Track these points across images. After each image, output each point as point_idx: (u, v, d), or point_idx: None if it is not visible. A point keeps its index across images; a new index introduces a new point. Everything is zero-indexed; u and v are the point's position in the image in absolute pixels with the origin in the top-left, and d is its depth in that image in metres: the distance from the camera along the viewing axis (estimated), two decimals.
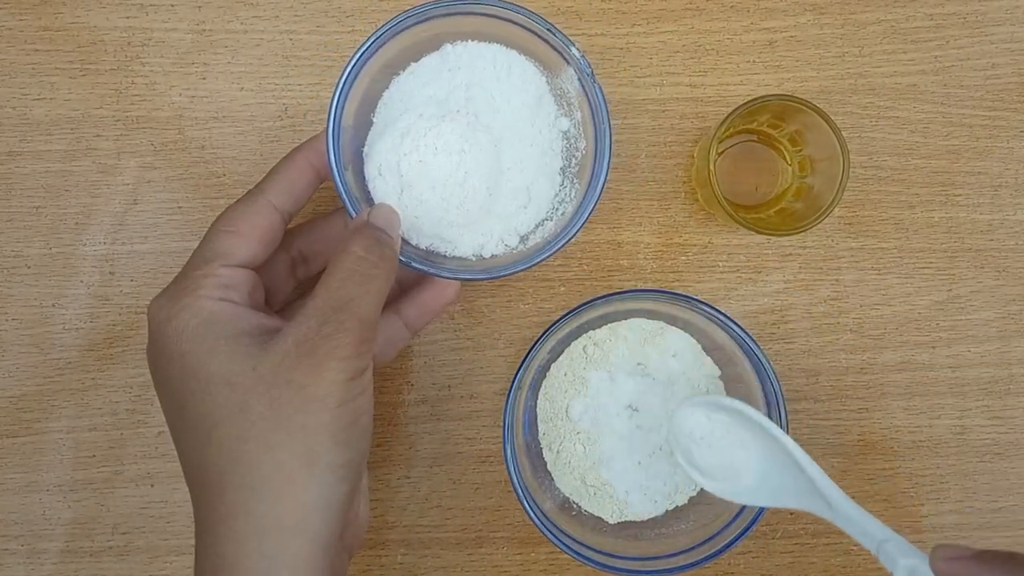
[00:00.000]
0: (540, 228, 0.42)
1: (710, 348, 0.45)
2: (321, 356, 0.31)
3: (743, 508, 0.41)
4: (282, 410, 0.31)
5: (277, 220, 0.37)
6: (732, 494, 0.39)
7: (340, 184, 0.38)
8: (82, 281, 0.46)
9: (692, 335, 0.45)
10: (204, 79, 0.46)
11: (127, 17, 0.46)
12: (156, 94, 0.46)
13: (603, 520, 0.44)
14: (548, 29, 0.39)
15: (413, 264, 0.38)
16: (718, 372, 0.45)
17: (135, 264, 0.46)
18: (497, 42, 0.42)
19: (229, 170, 0.46)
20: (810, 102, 0.41)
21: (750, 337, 0.40)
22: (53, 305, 0.46)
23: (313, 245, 0.41)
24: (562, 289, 0.46)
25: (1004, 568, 0.29)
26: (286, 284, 0.41)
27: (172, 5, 0.46)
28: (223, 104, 0.46)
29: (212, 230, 0.36)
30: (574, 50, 0.39)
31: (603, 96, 0.39)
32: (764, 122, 0.45)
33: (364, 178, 0.40)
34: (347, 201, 0.38)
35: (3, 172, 0.46)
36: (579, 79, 0.40)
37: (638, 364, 0.44)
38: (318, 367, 0.31)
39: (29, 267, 0.46)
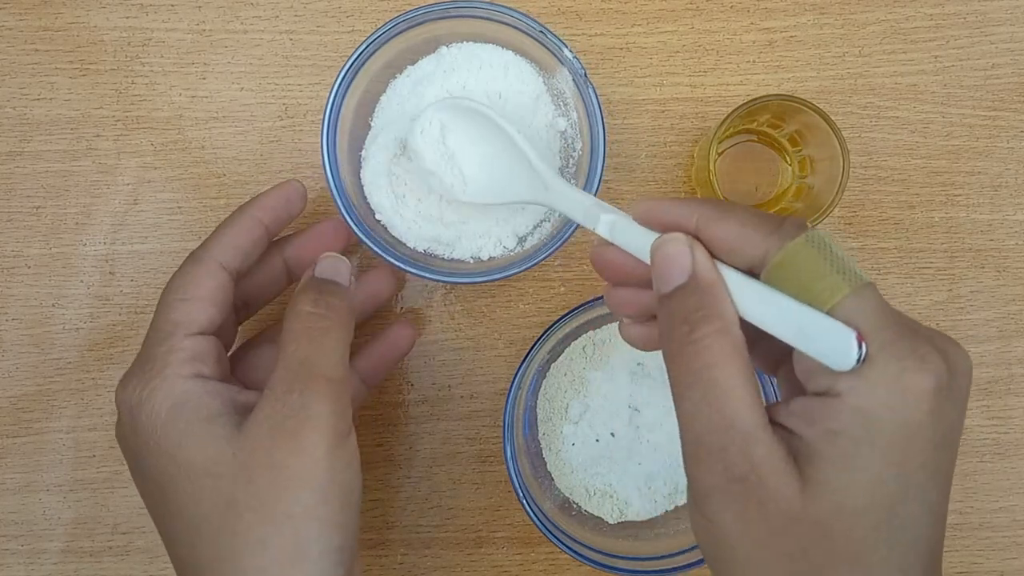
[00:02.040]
0: (538, 229, 0.42)
1: None
2: (294, 429, 0.30)
3: None
4: (266, 499, 0.30)
5: (227, 280, 0.36)
6: (465, 193, 0.38)
7: (335, 191, 0.38)
8: (82, 281, 0.46)
9: None
10: (204, 79, 0.46)
11: (127, 17, 0.46)
12: (156, 94, 0.46)
13: (603, 520, 0.44)
14: (541, 31, 0.39)
15: (410, 268, 0.38)
16: None
17: (135, 264, 0.46)
18: (493, 43, 0.42)
19: (229, 170, 0.46)
20: (810, 102, 0.41)
21: None
22: (53, 305, 0.46)
23: (250, 289, 0.40)
24: (562, 289, 0.46)
25: (701, 206, 0.28)
26: (229, 334, 0.39)
27: (172, 5, 0.46)
28: (223, 104, 0.46)
29: (164, 301, 0.35)
30: (566, 52, 0.39)
31: (596, 97, 0.39)
32: (764, 122, 0.45)
33: (362, 184, 0.40)
34: (342, 209, 0.38)
35: (3, 172, 0.46)
36: (573, 80, 0.40)
37: (638, 364, 0.44)
38: (294, 440, 0.30)
39: (29, 267, 0.46)
